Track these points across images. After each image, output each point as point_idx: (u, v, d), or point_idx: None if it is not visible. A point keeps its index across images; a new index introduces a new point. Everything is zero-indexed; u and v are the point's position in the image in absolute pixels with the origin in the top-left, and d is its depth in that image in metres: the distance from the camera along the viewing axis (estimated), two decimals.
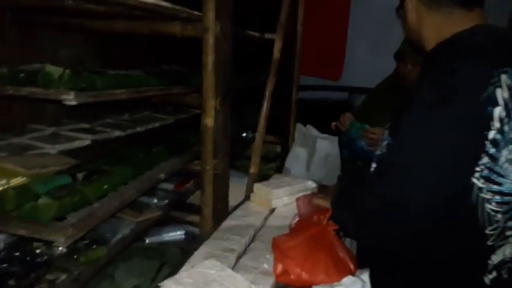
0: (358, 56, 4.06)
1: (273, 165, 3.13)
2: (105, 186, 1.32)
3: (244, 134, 3.22)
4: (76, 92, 1.10)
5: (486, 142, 0.87)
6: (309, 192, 1.68)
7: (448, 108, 0.86)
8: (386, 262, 1.09)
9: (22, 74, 1.22)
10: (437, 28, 1.01)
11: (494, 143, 0.88)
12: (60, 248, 1.21)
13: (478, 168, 0.89)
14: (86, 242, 1.39)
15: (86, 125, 1.90)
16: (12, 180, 1.19)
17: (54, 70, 1.17)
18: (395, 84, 2.08)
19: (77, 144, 1.64)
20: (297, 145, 2.78)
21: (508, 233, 0.95)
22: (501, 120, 0.86)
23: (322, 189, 1.66)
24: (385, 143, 1.13)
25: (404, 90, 1.92)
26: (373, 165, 1.20)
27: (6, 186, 1.16)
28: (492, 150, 0.88)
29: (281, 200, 1.71)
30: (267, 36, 2.36)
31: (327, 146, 2.69)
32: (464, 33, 0.96)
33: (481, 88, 0.86)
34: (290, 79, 2.94)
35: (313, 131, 2.84)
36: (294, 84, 2.96)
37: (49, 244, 1.33)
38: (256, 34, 2.27)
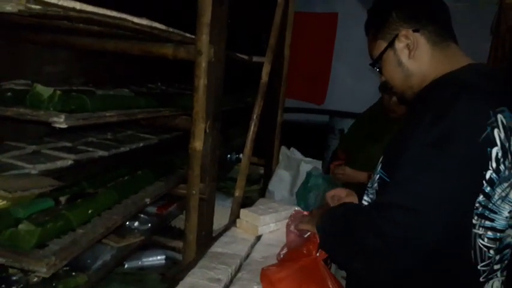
0: (340, 81, 4.14)
1: (256, 187, 3.11)
2: (90, 211, 1.27)
3: (228, 156, 3.20)
4: (66, 114, 1.06)
5: (483, 182, 0.88)
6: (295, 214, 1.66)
7: (450, 149, 0.86)
8: None
9: (9, 93, 1.17)
10: (437, 65, 1.01)
11: (490, 182, 0.88)
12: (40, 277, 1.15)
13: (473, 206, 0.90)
14: (65, 268, 1.33)
15: (68, 144, 1.84)
16: None
17: (44, 90, 1.13)
18: (380, 114, 2.09)
19: (59, 164, 1.59)
20: (281, 168, 2.77)
21: (496, 266, 0.96)
22: (498, 160, 0.87)
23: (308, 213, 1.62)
24: (377, 176, 1.12)
25: (391, 124, 1.94)
26: (365, 197, 1.19)
27: None
28: (488, 189, 0.89)
29: (268, 226, 1.68)
30: (255, 59, 2.36)
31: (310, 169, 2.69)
32: (458, 71, 0.97)
33: (480, 129, 0.87)
34: (275, 102, 2.95)
35: (297, 154, 2.84)
36: (280, 107, 2.97)
37: (26, 271, 1.26)
38: (245, 57, 2.27)
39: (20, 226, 1.08)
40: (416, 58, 1.02)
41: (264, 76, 2.26)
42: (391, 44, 1.04)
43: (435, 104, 0.93)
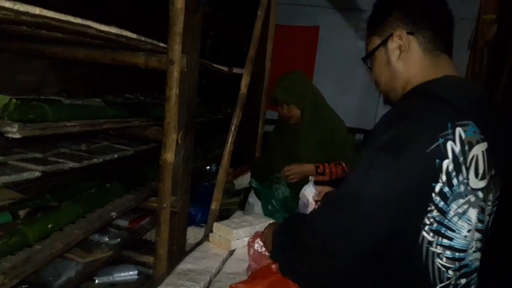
0: (323, 93, 4.15)
1: (237, 200, 3.06)
2: (50, 226, 1.22)
3: (207, 167, 3.15)
4: (20, 124, 1.01)
5: (433, 194, 0.84)
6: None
7: (395, 154, 0.85)
8: None
9: None
10: (423, 72, 0.99)
11: (443, 196, 0.85)
12: None
13: (427, 221, 0.86)
14: (23, 286, 1.27)
15: (38, 155, 1.78)
16: None
17: (0, 99, 1.08)
18: (283, 123, 2.31)
19: (25, 176, 1.52)
20: None
21: None
22: (448, 173, 0.84)
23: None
24: None
25: (292, 127, 2.23)
26: None
27: None
28: (441, 204, 0.85)
29: (241, 240, 1.64)
30: (236, 70, 2.34)
31: None
32: (431, 82, 0.95)
33: (430, 140, 0.84)
34: (257, 113, 2.93)
35: None
36: (261, 118, 2.94)
37: None
38: (224, 68, 2.24)
39: None
40: (405, 60, 1.01)
41: (243, 88, 2.24)
42: (384, 42, 1.03)
43: (394, 113, 0.92)
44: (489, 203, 0.95)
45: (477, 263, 0.96)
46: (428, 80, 0.96)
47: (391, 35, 1.01)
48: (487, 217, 0.97)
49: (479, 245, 0.95)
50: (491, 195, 0.95)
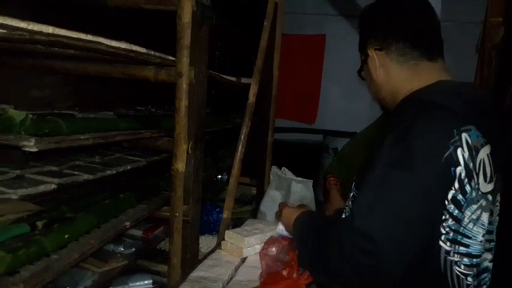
0: (332, 101, 4.19)
1: (249, 208, 3.08)
2: (66, 236, 1.25)
3: (219, 177, 3.18)
4: (37, 138, 1.05)
5: (446, 202, 0.85)
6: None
7: (410, 170, 0.84)
8: None
9: None
10: (404, 82, 1.02)
11: (457, 203, 0.86)
12: None
13: (443, 231, 0.87)
14: None
15: (54, 168, 1.83)
16: None
17: (16, 114, 1.12)
18: (384, 125, 2.07)
19: (41, 188, 1.57)
20: (272, 188, 2.74)
21: None
22: (461, 180, 0.85)
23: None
24: (351, 194, 1.12)
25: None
26: (343, 216, 1.18)
27: None
28: (456, 212, 0.86)
29: (253, 248, 1.66)
30: (244, 80, 2.37)
31: (301, 189, 2.66)
32: (425, 89, 0.97)
33: (442, 148, 0.85)
34: (266, 122, 2.95)
35: (288, 173, 2.82)
36: (270, 126, 2.97)
37: None
38: (233, 79, 2.28)
39: None
40: (383, 75, 1.06)
41: (251, 97, 2.27)
42: (365, 60, 1.11)
43: (397, 124, 0.94)
44: (497, 204, 0.97)
45: (487, 263, 0.97)
46: (414, 88, 0.98)
47: (368, 53, 1.08)
48: (496, 218, 0.98)
49: (488, 245, 0.96)
50: (498, 196, 0.96)
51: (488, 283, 0.98)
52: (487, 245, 0.96)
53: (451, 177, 0.85)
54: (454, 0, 3.66)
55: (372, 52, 1.05)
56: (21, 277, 1.04)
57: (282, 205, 1.41)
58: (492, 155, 0.92)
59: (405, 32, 1.03)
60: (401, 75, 1.03)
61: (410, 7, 1.05)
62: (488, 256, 0.97)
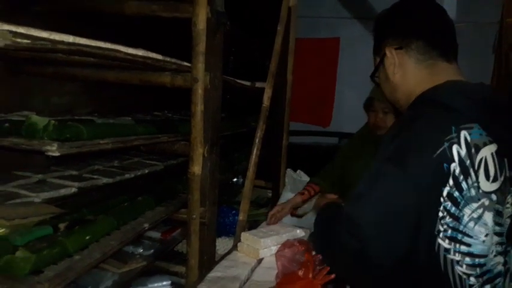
0: (347, 104, 4.18)
1: (264, 211, 3.10)
2: (87, 237, 1.30)
3: (235, 180, 3.21)
4: (59, 143, 1.10)
5: (441, 199, 0.86)
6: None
7: (402, 164, 0.87)
8: None
9: (6, 124, 1.22)
10: (420, 82, 1.02)
11: (453, 200, 0.86)
12: None
13: (441, 228, 0.87)
14: None
15: (74, 172, 1.88)
16: None
17: (39, 120, 1.18)
18: (369, 133, 2.02)
19: (62, 192, 1.62)
20: (287, 191, 2.76)
21: None
22: (455, 177, 0.86)
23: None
24: None
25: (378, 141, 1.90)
26: None
27: None
28: (453, 209, 0.86)
29: (269, 249, 1.68)
30: (258, 85, 2.40)
31: None
32: (434, 88, 0.98)
33: (436, 144, 0.86)
34: (280, 125, 2.98)
35: (303, 176, 2.83)
36: (284, 130, 2.99)
37: None
38: (247, 83, 2.31)
39: (17, 253, 1.11)
40: (400, 74, 1.06)
41: (266, 101, 2.30)
42: (381, 61, 1.10)
43: (400, 122, 0.95)
44: (508, 205, 0.96)
45: (500, 267, 0.94)
46: (427, 88, 0.99)
47: (385, 53, 1.07)
48: (508, 220, 0.97)
49: (500, 248, 0.94)
50: (509, 197, 0.95)
51: (502, 287, 0.97)
52: (498, 248, 0.93)
53: (444, 174, 0.85)
54: (470, 1, 3.63)
55: (390, 51, 1.05)
56: (46, 276, 1.09)
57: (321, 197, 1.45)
58: (499, 154, 0.91)
59: (425, 31, 1.04)
60: (418, 75, 1.03)
61: (428, 9, 1.06)
62: (501, 260, 0.95)
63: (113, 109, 2.24)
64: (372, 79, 1.17)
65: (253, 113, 2.80)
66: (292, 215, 2.18)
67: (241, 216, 2.10)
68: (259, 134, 2.23)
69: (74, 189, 1.67)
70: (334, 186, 1.98)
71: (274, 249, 1.66)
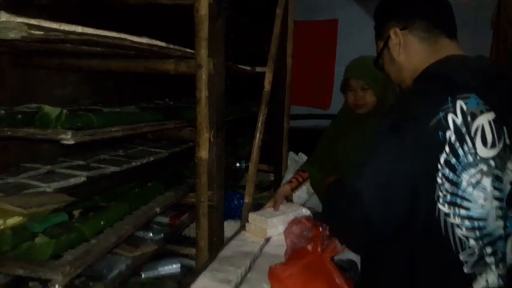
0: None
1: (267, 194, 3.15)
2: (102, 222, 1.34)
3: (238, 164, 3.25)
4: (73, 131, 1.13)
5: (439, 166, 0.90)
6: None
7: (395, 134, 0.92)
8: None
9: (19, 116, 1.25)
10: (424, 60, 1.05)
11: (450, 167, 0.90)
12: (57, 286, 1.21)
13: (441, 194, 0.91)
14: (82, 279, 1.39)
15: (82, 162, 1.92)
16: (8, 220, 1.20)
17: (52, 110, 1.20)
18: (351, 113, 1.91)
19: (72, 181, 1.66)
20: (290, 173, 2.80)
21: (488, 260, 0.95)
22: (451, 144, 0.89)
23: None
24: None
25: (361, 119, 1.85)
26: None
27: (2, 227, 1.17)
28: (451, 175, 0.90)
29: (276, 229, 1.73)
30: (258, 69, 2.43)
31: None
32: (434, 64, 1.02)
33: (431, 114, 0.90)
34: (281, 109, 3.01)
35: (305, 158, 2.87)
36: (285, 113, 3.02)
37: (45, 283, 1.32)
38: (248, 68, 2.33)
39: (37, 239, 1.15)
40: (405, 54, 1.09)
41: (267, 85, 2.33)
42: (386, 43, 1.13)
43: (401, 96, 1.00)
44: (508, 171, 0.99)
45: (501, 231, 0.98)
46: (432, 62, 1.02)
47: (389, 35, 1.10)
48: (509, 185, 1.00)
49: (500, 213, 0.97)
50: (509, 163, 0.99)
51: (503, 250, 1.01)
52: (498, 212, 0.97)
53: (440, 142, 0.89)
54: None
55: (395, 33, 1.08)
56: (66, 260, 1.13)
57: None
58: (497, 122, 0.95)
59: (428, 11, 1.08)
60: (422, 52, 1.07)
61: None
62: (501, 223, 0.98)
63: (115, 99, 2.26)
64: (376, 65, 1.20)
65: (254, 98, 2.83)
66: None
67: (247, 199, 2.15)
68: (261, 117, 2.26)
69: (83, 178, 1.71)
70: (322, 169, 1.99)
71: (281, 228, 1.70)
